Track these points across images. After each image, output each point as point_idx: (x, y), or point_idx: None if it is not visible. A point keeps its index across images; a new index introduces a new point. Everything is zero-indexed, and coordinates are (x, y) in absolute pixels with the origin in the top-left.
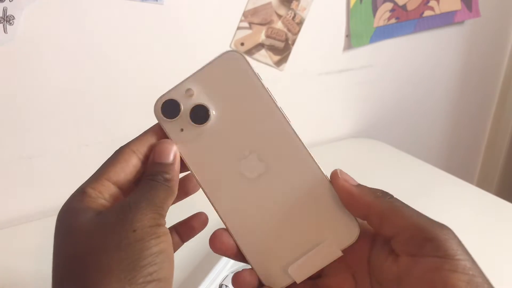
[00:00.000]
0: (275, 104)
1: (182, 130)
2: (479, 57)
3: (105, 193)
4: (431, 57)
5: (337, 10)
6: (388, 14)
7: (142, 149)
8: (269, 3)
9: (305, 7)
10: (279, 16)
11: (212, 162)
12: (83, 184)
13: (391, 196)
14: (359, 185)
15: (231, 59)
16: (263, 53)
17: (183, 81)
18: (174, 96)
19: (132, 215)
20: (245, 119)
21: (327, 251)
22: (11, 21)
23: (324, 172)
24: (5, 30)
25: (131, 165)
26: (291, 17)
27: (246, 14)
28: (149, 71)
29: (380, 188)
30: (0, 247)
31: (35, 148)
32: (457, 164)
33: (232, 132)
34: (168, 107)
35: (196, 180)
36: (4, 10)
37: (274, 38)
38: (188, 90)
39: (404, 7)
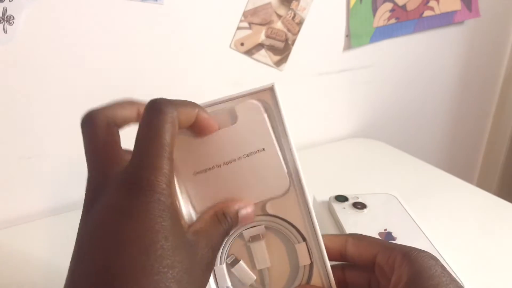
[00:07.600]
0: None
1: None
2: (479, 57)
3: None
4: (431, 57)
5: (337, 10)
6: (388, 14)
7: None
8: (269, 3)
9: (305, 7)
10: (279, 16)
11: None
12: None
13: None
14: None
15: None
16: (263, 53)
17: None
18: None
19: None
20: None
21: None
22: (11, 21)
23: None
24: (5, 30)
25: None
26: (291, 17)
27: (246, 14)
28: (149, 71)
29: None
30: (0, 247)
31: (35, 148)
32: (457, 164)
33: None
34: None
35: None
36: (4, 10)
37: (274, 38)
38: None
39: (404, 7)
